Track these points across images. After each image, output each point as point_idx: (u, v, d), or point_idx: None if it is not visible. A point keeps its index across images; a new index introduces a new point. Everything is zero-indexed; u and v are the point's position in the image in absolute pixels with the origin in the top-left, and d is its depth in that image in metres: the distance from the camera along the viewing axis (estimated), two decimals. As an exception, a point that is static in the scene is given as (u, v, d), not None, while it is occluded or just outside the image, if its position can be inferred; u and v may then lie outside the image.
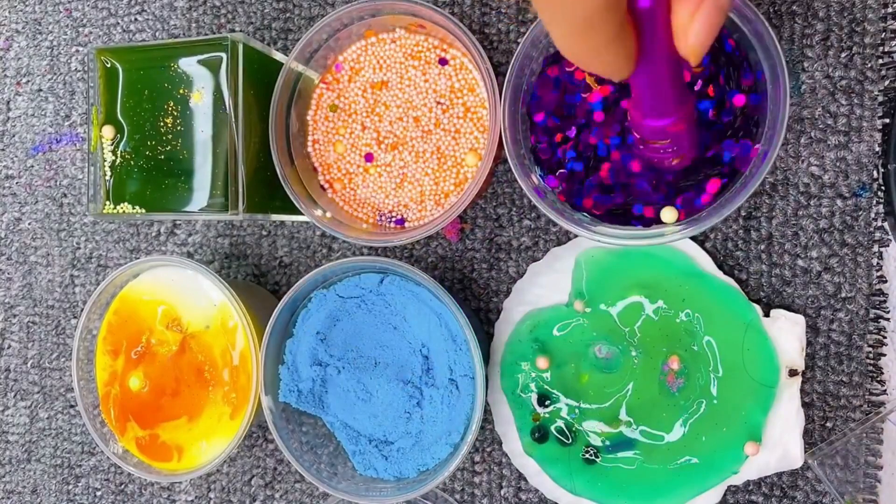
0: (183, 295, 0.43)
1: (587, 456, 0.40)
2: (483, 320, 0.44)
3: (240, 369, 0.42)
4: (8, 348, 0.52)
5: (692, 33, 0.23)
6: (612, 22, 0.22)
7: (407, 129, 0.41)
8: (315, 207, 0.41)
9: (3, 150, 0.52)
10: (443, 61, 0.40)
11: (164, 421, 0.43)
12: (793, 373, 0.38)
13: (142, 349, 0.43)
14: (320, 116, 0.42)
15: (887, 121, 0.38)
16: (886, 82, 0.38)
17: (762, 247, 0.40)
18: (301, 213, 0.40)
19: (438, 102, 0.40)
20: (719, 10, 0.23)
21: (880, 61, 0.38)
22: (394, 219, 0.41)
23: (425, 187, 0.40)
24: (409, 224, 0.41)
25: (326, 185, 0.42)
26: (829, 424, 0.39)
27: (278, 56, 0.43)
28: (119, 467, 0.50)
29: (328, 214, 0.41)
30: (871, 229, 0.39)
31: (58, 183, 0.51)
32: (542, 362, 0.40)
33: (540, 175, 0.37)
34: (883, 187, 0.38)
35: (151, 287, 0.43)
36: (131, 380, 0.43)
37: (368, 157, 0.41)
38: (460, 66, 0.40)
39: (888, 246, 0.39)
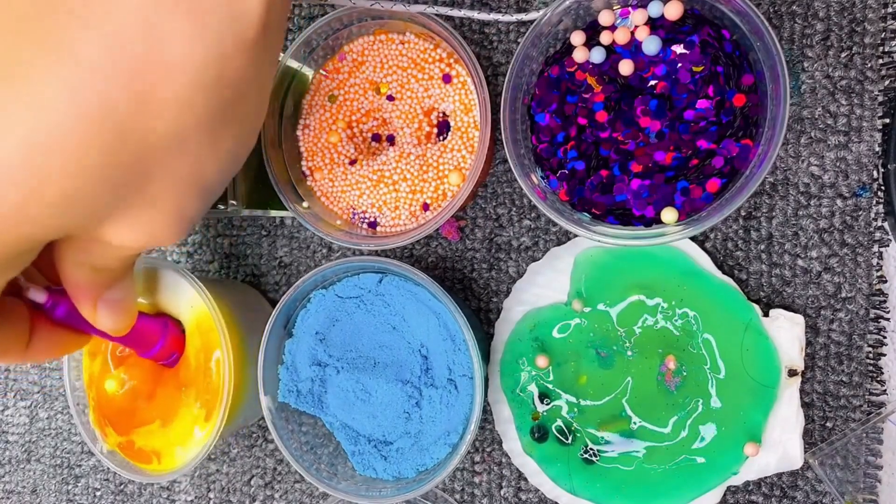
0: (163, 294, 0.42)
1: (586, 456, 0.40)
2: (483, 320, 0.44)
3: (213, 371, 0.41)
4: (7, 348, 0.52)
5: (101, 323, 0.28)
6: None
7: (396, 132, 0.40)
8: (293, 193, 0.41)
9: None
10: (447, 77, 0.39)
11: (138, 426, 0.42)
12: (793, 373, 0.38)
13: (125, 349, 0.43)
14: (316, 103, 0.42)
15: (887, 121, 0.38)
16: (886, 82, 0.38)
17: (762, 247, 0.40)
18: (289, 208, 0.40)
19: (434, 111, 0.40)
20: (114, 306, 0.28)
21: (880, 61, 0.38)
22: (367, 220, 0.41)
23: (401, 192, 0.40)
24: (381, 229, 0.41)
25: (308, 172, 0.42)
26: (829, 424, 0.39)
27: None
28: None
29: (305, 204, 0.41)
30: (871, 229, 0.39)
31: (57, 183, 0.51)
32: (541, 361, 0.40)
33: (541, 175, 0.37)
34: (883, 187, 0.38)
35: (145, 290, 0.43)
36: (107, 382, 0.42)
37: (352, 162, 0.41)
38: (462, 85, 0.39)
39: (888, 246, 0.39)
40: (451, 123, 0.40)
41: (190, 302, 0.41)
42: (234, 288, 0.45)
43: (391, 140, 0.41)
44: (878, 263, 0.39)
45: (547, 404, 0.41)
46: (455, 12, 0.37)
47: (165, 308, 0.42)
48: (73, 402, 0.44)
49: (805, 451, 0.39)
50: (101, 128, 0.20)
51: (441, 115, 0.40)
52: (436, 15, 0.37)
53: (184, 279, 0.41)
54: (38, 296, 0.29)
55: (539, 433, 0.41)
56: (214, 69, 0.21)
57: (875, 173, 0.38)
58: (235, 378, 0.40)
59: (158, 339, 0.39)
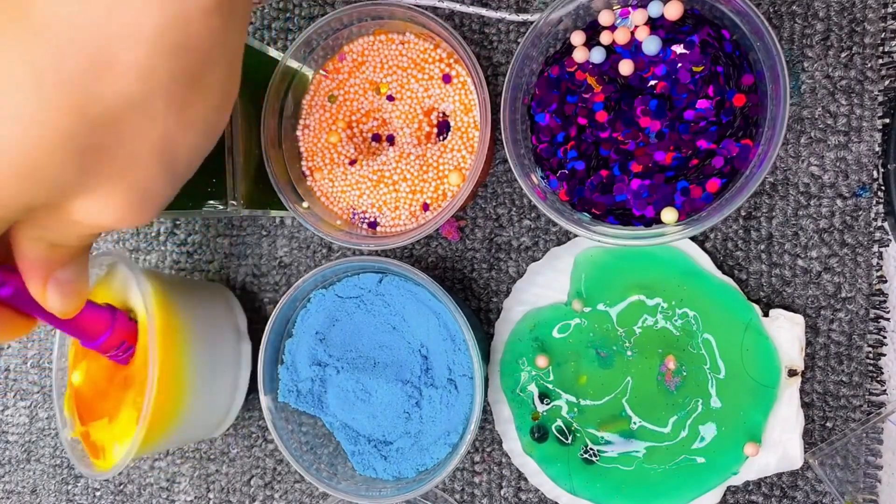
0: (125, 289, 0.41)
1: (586, 456, 0.40)
2: (483, 320, 0.44)
3: (146, 370, 0.39)
4: (8, 348, 0.52)
5: (49, 302, 0.28)
6: None
7: (396, 132, 0.40)
8: (293, 193, 0.41)
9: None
10: (447, 77, 0.39)
11: (94, 420, 0.41)
12: (792, 373, 0.38)
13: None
14: (316, 103, 0.42)
15: (887, 121, 0.38)
16: (886, 82, 0.38)
17: (762, 247, 0.40)
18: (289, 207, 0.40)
19: (434, 111, 0.40)
20: (65, 287, 0.28)
21: (880, 61, 0.38)
22: (367, 220, 0.41)
23: (401, 192, 0.40)
24: (381, 229, 0.41)
25: (308, 172, 0.42)
26: (829, 424, 0.39)
27: (275, 54, 0.43)
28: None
29: (305, 204, 0.41)
30: (871, 229, 0.39)
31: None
32: (541, 361, 0.40)
33: (541, 175, 0.37)
34: (883, 187, 0.38)
35: (107, 283, 0.42)
36: (73, 374, 0.42)
37: (352, 162, 0.41)
38: (462, 85, 0.39)
39: (888, 246, 0.39)
40: (451, 123, 0.40)
41: (143, 298, 0.39)
42: (202, 292, 0.43)
43: (391, 140, 0.41)
44: (878, 263, 0.39)
45: (547, 404, 0.41)
46: (462, 7, 0.37)
47: (127, 304, 0.41)
48: (56, 387, 0.44)
49: (805, 451, 0.39)
50: (61, 96, 0.20)
51: (441, 115, 0.40)
52: (439, 12, 0.37)
53: (130, 271, 0.39)
54: None
55: (539, 433, 0.41)
56: (175, 34, 0.21)
57: (875, 173, 0.38)
58: (172, 385, 0.38)
59: (105, 330, 0.38)
